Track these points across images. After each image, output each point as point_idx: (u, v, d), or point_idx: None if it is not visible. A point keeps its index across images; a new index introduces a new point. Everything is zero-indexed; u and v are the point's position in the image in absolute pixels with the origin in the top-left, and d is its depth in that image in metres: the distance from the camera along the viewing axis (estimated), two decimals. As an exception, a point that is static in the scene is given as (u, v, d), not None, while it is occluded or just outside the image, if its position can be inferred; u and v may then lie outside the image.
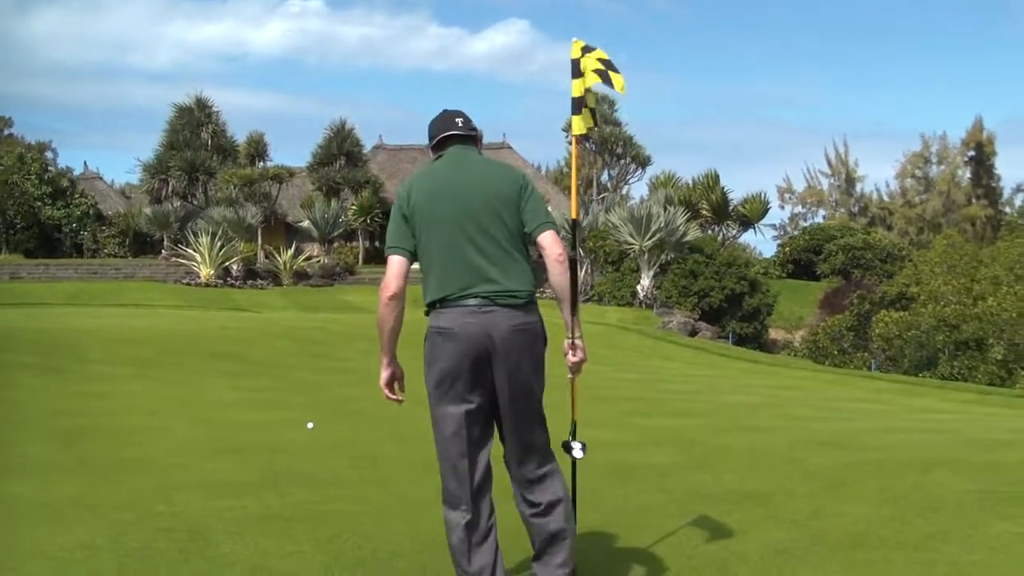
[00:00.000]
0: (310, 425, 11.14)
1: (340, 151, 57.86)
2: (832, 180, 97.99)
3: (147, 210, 55.73)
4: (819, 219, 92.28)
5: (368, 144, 61.95)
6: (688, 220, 44.94)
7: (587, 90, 6.25)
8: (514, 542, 5.99)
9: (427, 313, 5.33)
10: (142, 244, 57.36)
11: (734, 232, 54.86)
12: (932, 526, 7.16)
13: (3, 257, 52.42)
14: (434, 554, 6.39)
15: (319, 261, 51.92)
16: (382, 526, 7.09)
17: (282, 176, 56.20)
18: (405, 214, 5.30)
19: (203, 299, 41.93)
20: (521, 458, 5.39)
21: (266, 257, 52.06)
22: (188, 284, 47.31)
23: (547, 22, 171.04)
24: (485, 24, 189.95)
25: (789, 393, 18.38)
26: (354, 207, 54.80)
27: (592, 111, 6.34)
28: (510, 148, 64.83)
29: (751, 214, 52.88)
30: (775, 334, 46.69)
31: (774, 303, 44.80)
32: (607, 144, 60.65)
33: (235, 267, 49.10)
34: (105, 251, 56.78)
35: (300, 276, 50.20)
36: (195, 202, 57.78)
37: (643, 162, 62.15)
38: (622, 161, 62.49)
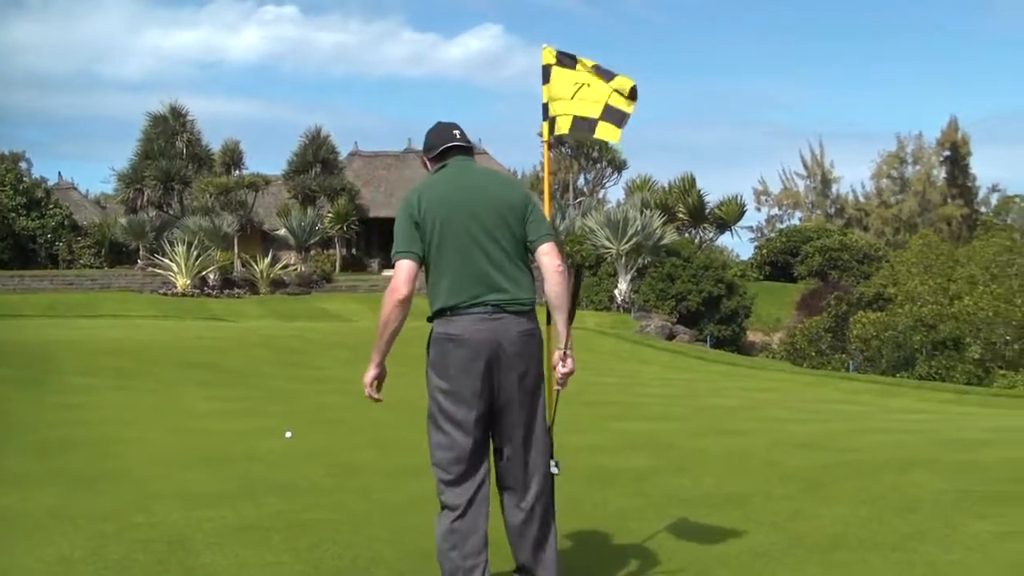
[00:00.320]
0: (288, 434, 11.13)
1: (316, 158, 57.83)
2: (808, 182, 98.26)
3: (122, 220, 55.59)
4: (795, 221, 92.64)
5: (344, 151, 61.96)
6: (665, 223, 45.05)
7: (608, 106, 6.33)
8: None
9: (431, 319, 5.40)
10: (118, 254, 57.17)
11: (711, 235, 55.00)
12: (910, 526, 7.19)
13: (-23, 268, 52.28)
14: (414, 561, 6.39)
15: (296, 269, 51.89)
16: (362, 534, 7.07)
17: (258, 184, 56.13)
18: (416, 220, 5.33)
19: (180, 309, 41.84)
20: (519, 466, 5.46)
21: (243, 266, 52.01)
22: (165, 294, 47.23)
23: (521, 27, 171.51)
24: (459, 30, 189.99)
25: (767, 395, 18.43)
26: (330, 215, 54.78)
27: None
28: (486, 153, 64.79)
29: (727, 216, 53.03)
30: (753, 336, 46.78)
31: (752, 305, 44.92)
32: (583, 148, 60.72)
33: (212, 276, 49.05)
34: (81, 262, 56.59)
35: (277, 284, 50.16)
36: (171, 211, 57.67)
37: (619, 166, 62.32)
38: (598, 165, 62.66)
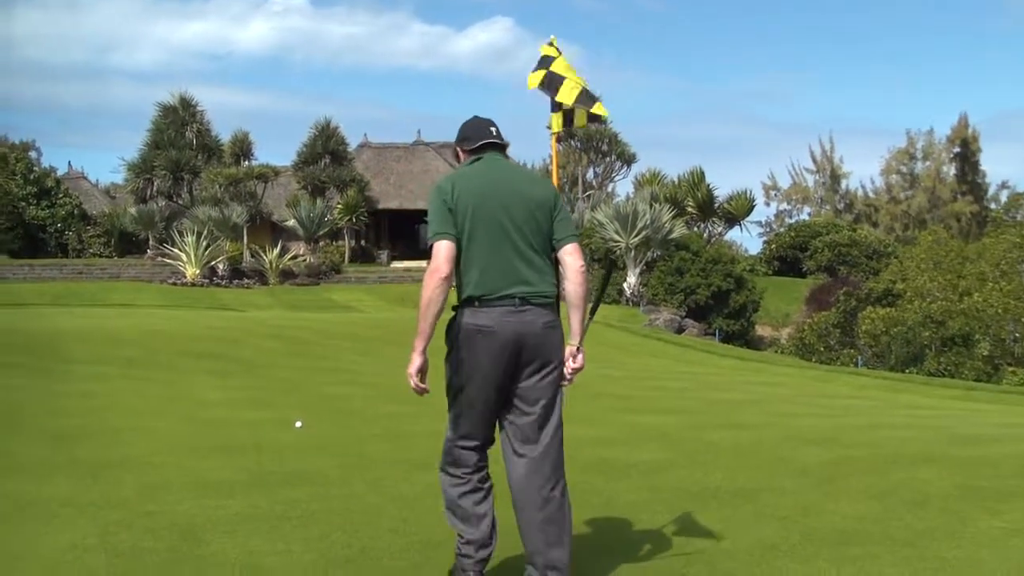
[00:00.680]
0: (298, 424, 11.13)
1: (325, 150, 57.87)
2: (817, 177, 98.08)
3: (132, 210, 55.68)
4: (804, 216, 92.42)
5: (353, 143, 62.00)
6: (674, 217, 44.98)
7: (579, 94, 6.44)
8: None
9: (455, 308, 5.54)
10: (127, 244, 57.26)
11: (720, 229, 54.99)
12: (920, 522, 7.20)
13: (-12, 257, 52.38)
14: (426, 552, 6.41)
15: (305, 260, 51.94)
16: (372, 524, 7.09)
17: (267, 175, 56.18)
18: (450, 207, 5.46)
19: (189, 298, 41.86)
20: (536, 460, 5.61)
21: (252, 256, 52.06)
22: (174, 284, 47.29)
23: (531, 20, 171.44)
24: (469, 22, 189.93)
25: (776, 390, 18.40)
26: (340, 206, 54.82)
27: (568, 112, 6.54)
28: (496, 146, 64.72)
29: (737, 211, 52.99)
30: (762, 331, 46.73)
31: (760, 300, 44.85)
32: (592, 141, 60.68)
33: (221, 266, 49.11)
34: (90, 251, 56.67)
35: (286, 275, 50.23)
36: (180, 201, 57.74)
37: (628, 159, 62.25)
38: (607, 159, 62.57)
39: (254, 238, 54.19)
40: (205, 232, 48.91)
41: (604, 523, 7.20)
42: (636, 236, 42.23)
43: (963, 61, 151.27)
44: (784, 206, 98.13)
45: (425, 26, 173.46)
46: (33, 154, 79.90)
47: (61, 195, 57.94)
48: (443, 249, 5.40)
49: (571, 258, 5.59)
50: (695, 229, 51.62)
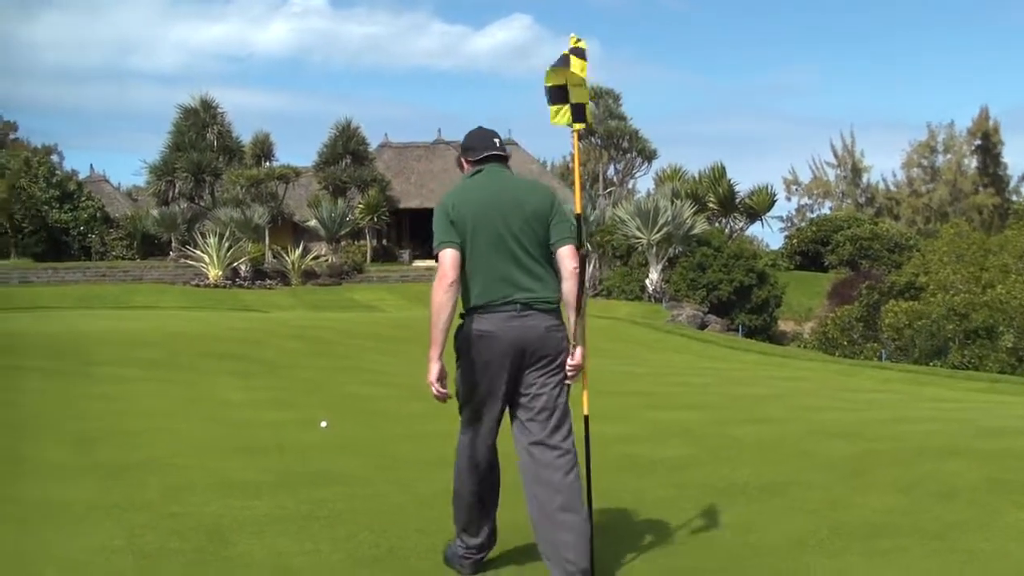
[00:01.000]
0: (323, 424, 11.12)
1: (346, 150, 57.91)
2: (838, 171, 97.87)
3: (154, 212, 55.82)
4: (826, 210, 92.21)
5: (374, 142, 62.06)
6: (695, 213, 44.94)
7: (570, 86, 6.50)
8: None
9: (462, 315, 5.84)
10: (150, 246, 57.40)
11: (741, 224, 54.79)
12: (949, 515, 7.17)
13: (12, 261, 52.53)
14: (451, 551, 6.39)
15: (327, 260, 52.01)
16: (399, 524, 7.08)
17: (288, 176, 56.24)
18: (452, 219, 5.73)
19: (212, 300, 41.93)
20: (553, 446, 5.81)
21: (274, 257, 52.14)
22: (197, 285, 47.38)
23: (550, 17, 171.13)
24: (488, 20, 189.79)
25: (800, 384, 18.35)
26: (361, 206, 54.85)
27: (575, 107, 6.58)
28: (516, 144, 64.80)
29: (758, 206, 52.79)
30: (784, 326, 46.66)
31: (783, 295, 44.79)
32: (613, 138, 60.61)
33: (243, 267, 49.19)
34: (113, 254, 56.82)
35: (308, 275, 50.29)
36: (202, 203, 57.83)
37: (649, 156, 62.13)
38: (628, 155, 62.47)
39: (276, 239, 54.28)
40: (227, 233, 49.00)
41: (632, 520, 7.18)
42: (658, 232, 42.21)
43: (984, 53, 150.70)
44: (805, 200, 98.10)
45: (445, 25, 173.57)
46: (55, 158, 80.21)
47: (84, 198, 58.10)
48: (448, 256, 5.66)
49: (566, 260, 5.82)
50: (716, 225, 51.47)
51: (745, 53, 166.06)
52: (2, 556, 6.38)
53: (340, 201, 54.71)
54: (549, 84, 6.53)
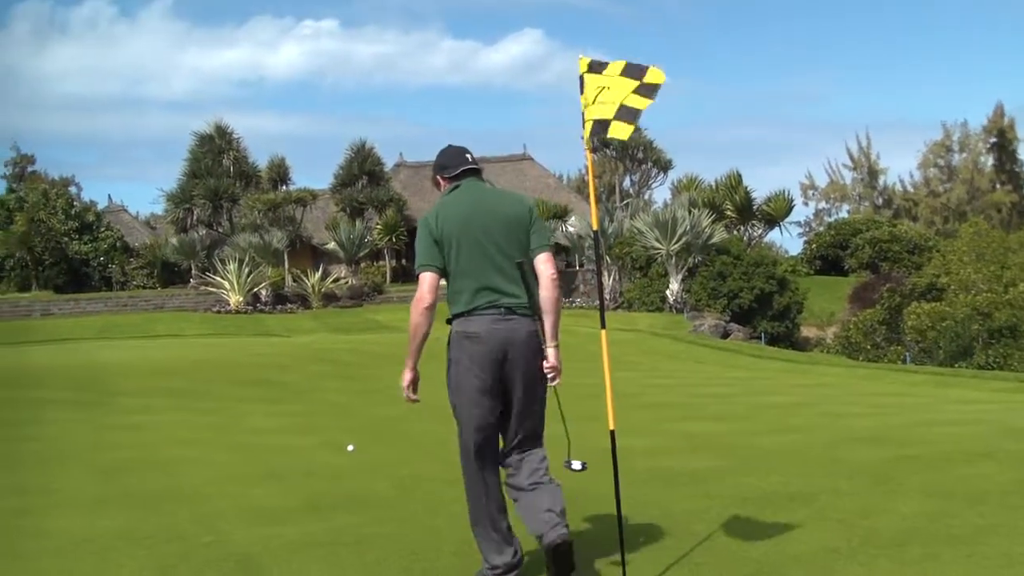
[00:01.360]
0: (350, 448, 11.12)
1: (362, 171, 57.94)
2: (855, 174, 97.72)
3: (173, 240, 55.92)
4: (843, 214, 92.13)
5: (389, 162, 62.06)
6: (713, 222, 44.88)
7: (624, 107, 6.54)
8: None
9: (449, 321, 6.14)
10: (170, 274, 57.50)
11: (759, 231, 54.71)
12: (981, 519, 7.13)
13: (33, 294, 52.68)
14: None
15: (347, 282, 52.03)
16: (429, 546, 7.07)
17: (305, 199, 56.30)
18: (436, 239, 6.08)
19: (235, 326, 41.97)
20: (520, 441, 6.20)
21: (294, 281, 52.17)
22: (218, 312, 47.40)
23: (561, 30, 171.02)
24: (499, 36, 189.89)
25: (825, 391, 18.30)
26: (379, 226, 54.86)
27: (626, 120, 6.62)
28: (531, 159, 64.86)
29: (776, 212, 52.68)
30: (807, 332, 46.53)
31: (804, 300, 44.68)
32: (628, 149, 60.57)
33: (264, 292, 49.23)
34: (134, 283, 56.91)
35: (329, 298, 50.33)
36: (220, 229, 57.92)
37: (665, 166, 62.02)
38: (644, 166, 62.37)
39: (295, 263, 54.32)
40: (246, 259, 49.03)
41: (662, 533, 7.15)
42: (676, 242, 42.18)
43: (996, 50, 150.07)
44: (823, 205, 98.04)
45: (455, 42, 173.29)
46: (73, 189, 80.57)
47: (103, 229, 58.26)
48: (427, 280, 6.06)
49: (543, 266, 6.13)
50: (735, 233, 51.40)
51: (755, 60, 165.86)
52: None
53: (358, 222, 54.73)
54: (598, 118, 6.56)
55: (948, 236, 66.91)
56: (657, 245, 42.71)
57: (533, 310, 6.08)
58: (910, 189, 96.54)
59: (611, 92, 6.52)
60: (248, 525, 7.82)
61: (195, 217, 57.59)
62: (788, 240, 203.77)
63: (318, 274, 51.12)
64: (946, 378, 21.42)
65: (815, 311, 48.07)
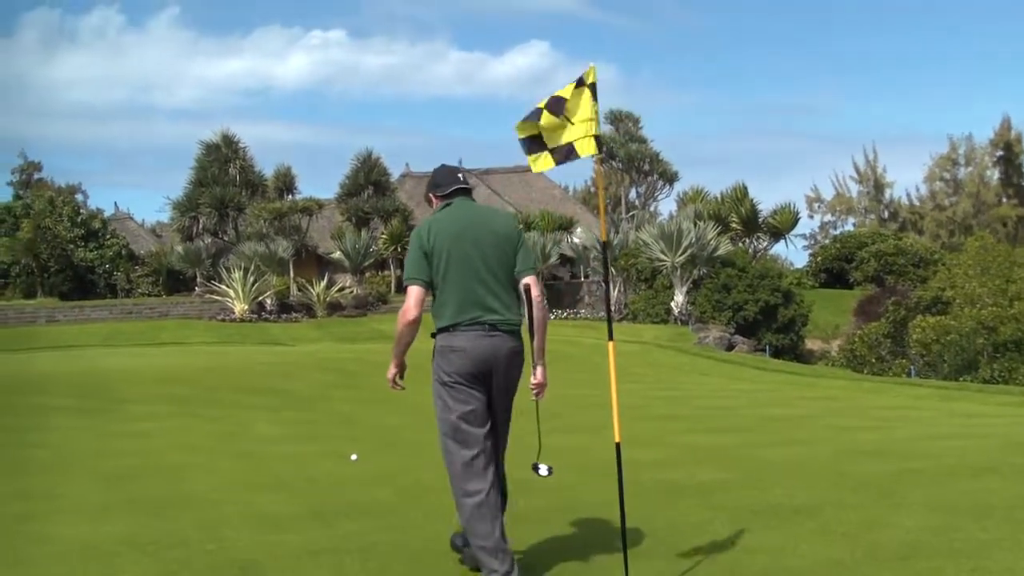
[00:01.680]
0: (354, 457, 11.14)
1: (368, 181, 57.96)
2: (861, 187, 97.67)
3: (179, 248, 55.93)
4: (849, 227, 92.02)
5: (395, 172, 62.10)
6: (719, 234, 44.83)
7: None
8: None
9: (434, 335, 6.48)
10: (175, 282, 57.51)
11: (765, 244, 54.68)
12: (985, 533, 7.12)
13: (39, 301, 52.69)
14: (486, 581, 6.38)
15: (352, 292, 52.01)
16: (432, 554, 7.09)
17: (311, 208, 56.33)
18: (426, 251, 6.37)
19: (239, 334, 41.97)
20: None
21: (299, 290, 52.19)
22: (223, 320, 47.39)
23: (567, 42, 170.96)
24: (505, 47, 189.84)
25: (830, 404, 18.29)
26: (384, 236, 54.87)
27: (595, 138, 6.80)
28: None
29: (781, 225, 52.66)
30: (811, 344, 46.49)
31: (809, 313, 44.62)
32: (633, 161, 60.63)
33: (269, 301, 49.23)
34: (139, 291, 56.94)
35: (334, 307, 50.32)
36: (226, 238, 57.93)
37: (670, 178, 62.12)
38: (649, 178, 62.45)
39: (300, 272, 54.37)
40: (252, 267, 48.99)
41: (666, 545, 7.14)
42: (682, 254, 42.15)
43: (1002, 63, 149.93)
44: (828, 217, 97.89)
45: (462, 53, 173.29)
46: (79, 196, 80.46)
47: (108, 236, 58.28)
48: (413, 294, 6.35)
49: (529, 289, 6.41)
50: (740, 245, 51.36)
51: (763, 73, 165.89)
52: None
53: (363, 232, 54.72)
54: (522, 136, 6.88)
55: (953, 250, 66.82)
56: (662, 257, 42.68)
57: (515, 327, 6.40)
58: (916, 202, 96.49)
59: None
60: (252, 532, 7.83)
61: (201, 225, 57.60)
62: (793, 253, 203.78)
63: (323, 283, 51.12)
64: (951, 392, 21.40)
65: (820, 324, 48.02)
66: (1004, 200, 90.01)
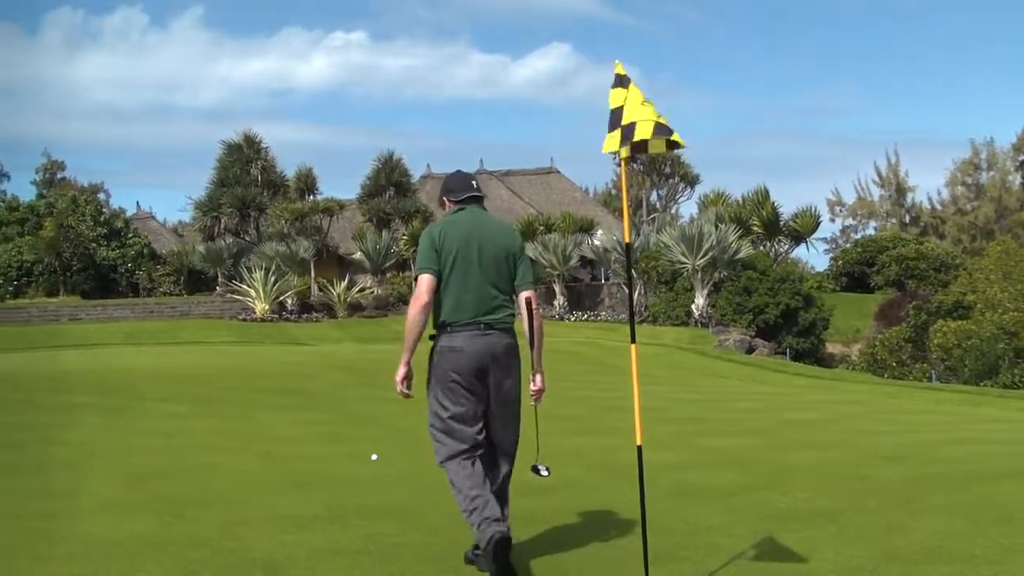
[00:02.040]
0: (374, 457, 11.14)
1: (389, 182, 57.96)
2: (883, 191, 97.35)
3: (200, 247, 55.97)
4: (870, 231, 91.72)
5: (416, 174, 62.09)
6: (739, 237, 44.72)
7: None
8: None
9: (431, 336, 6.77)
10: (196, 281, 57.59)
11: (786, 247, 54.52)
12: (1006, 539, 7.11)
13: (61, 299, 52.81)
14: (507, 582, 6.39)
15: (372, 292, 52.03)
16: (454, 556, 7.09)
17: (332, 209, 56.34)
18: (437, 248, 6.70)
19: (260, 334, 42.02)
20: (494, 454, 6.85)
21: (320, 290, 52.20)
22: (244, 320, 47.42)
23: (588, 45, 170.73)
24: (527, 50, 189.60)
25: (850, 407, 18.26)
26: (405, 237, 54.87)
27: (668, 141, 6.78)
28: (558, 172, 64.93)
29: (803, 228, 52.50)
30: (832, 348, 46.35)
31: (830, 317, 44.49)
32: (655, 164, 60.58)
33: (290, 301, 49.24)
34: (160, 290, 57.06)
35: (354, 308, 50.32)
36: (247, 238, 57.99)
37: (692, 181, 62.08)
38: (671, 181, 62.44)
39: (321, 272, 54.36)
40: (273, 267, 48.99)
41: (686, 547, 7.15)
42: (702, 257, 42.07)
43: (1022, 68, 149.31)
44: (850, 221, 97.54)
45: (484, 56, 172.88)
46: (102, 196, 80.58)
47: (131, 235, 58.41)
48: (426, 281, 6.65)
49: (528, 303, 6.78)
50: (761, 248, 51.24)
51: (785, 75, 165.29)
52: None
53: (384, 233, 54.71)
54: (613, 107, 6.81)
55: (975, 254, 66.58)
56: (683, 259, 42.61)
57: (509, 325, 6.74)
58: (938, 207, 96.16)
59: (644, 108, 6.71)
60: (273, 532, 7.84)
61: (222, 225, 57.68)
62: (814, 256, 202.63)
63: (344, 284, 51.10)
64: (972, 396, 21.36)
65: (841, 328, 47.89)
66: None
